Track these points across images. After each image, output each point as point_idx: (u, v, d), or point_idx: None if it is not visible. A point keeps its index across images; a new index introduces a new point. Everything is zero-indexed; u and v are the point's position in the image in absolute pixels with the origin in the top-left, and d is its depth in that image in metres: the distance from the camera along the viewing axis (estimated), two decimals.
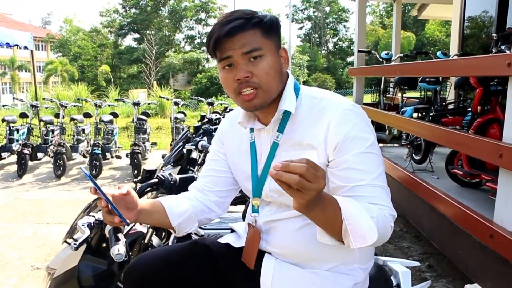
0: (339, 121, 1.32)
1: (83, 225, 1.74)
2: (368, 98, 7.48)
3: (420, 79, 5.05)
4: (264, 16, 1.36)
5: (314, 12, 51.39)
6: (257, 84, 1.34)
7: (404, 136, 5.20)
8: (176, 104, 8.08)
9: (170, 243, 2.08)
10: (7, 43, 8.46)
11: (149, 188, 1.94)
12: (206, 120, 5.07)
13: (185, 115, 8.54)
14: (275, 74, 1.37)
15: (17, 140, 7.75)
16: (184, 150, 3.26)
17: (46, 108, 9.21)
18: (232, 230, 1.71)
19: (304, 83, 30.72)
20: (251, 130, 1.51)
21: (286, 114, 1.41)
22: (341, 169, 1.30)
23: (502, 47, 3.61)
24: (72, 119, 8.02)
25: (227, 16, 1.34)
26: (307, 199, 1.02)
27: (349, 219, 1.10)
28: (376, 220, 1.17)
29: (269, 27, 1.36)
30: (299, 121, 1.40)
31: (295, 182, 0.99)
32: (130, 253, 1.86)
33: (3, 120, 7.85)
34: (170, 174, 2.00)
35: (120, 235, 1.54)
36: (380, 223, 1.19)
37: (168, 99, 9.66)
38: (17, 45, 8.79)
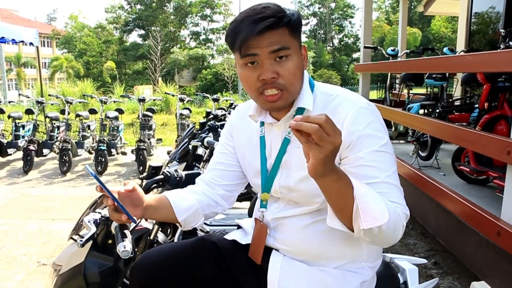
0: (354, 119, 1.31)
1: (89, 221, 1.74)
2: (374, 95, 7.43)
3: (426, 75, 5.03)
4: (292, 14, 1.31)
5: (319, 8, 51.26)
6: (283, 85, 1.30)
7: (410, 133, 5.18)
8: (181, 100, 8.08)
9: (176, 240, 2.08)
10: (13, 40, 8.48)
11: (155, 185, 1.94)
12: (211, 116, 5.07)
13: (190, 111, 8.54)
14: (299, 75, 1.35)
15: (23, 137, 7.79)
16: (190, 147, 3.26)
17: (52, 104, 9.25)
18: (239, 227, 1.70)
19: None
20: (262, 124, 1.49)
21: (300, 110, 1.38)
22: (354, 166, 1.28)
23: (510, 43, 3.58)
24: (77, 116, 8.03)
25: (258, 13, 1.27)
26: (324, 153, 1.02)
27: (360, 198, 1.09)
28: (388, 210, 1.15)
29: (296, 26, 1.33)
30: None
31: (314, 130, 0.99)
32: (136, 250, 1.86)
33: (9, 117, 7.89)
34: (176, 170, 1.99)
35: (127, 232, 1.54)
36: (393, 217, 1.17)
37: (173, 95, 9.69)
38: (22, 41, 8.81)
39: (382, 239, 1.17)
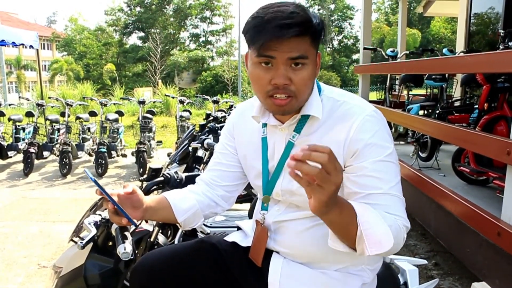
0: (360, 127, 1.29)
1: (89, 223, 1.75)
2: (373, 96, 7.45)
3: (426, 76, 5.04)
4: (318, 24, 1.27)
5: (319, 9, 51.13)
6: (293, 92, 1.28)
7: (410, 134, 5.18)
8: (181, 102, 8.09)
9: (176, 241, 2.08)
10: (13, 42, 8.48)
11: (155, 187, 1.94)
12: (211, 118, 5.07)
13: (190, 113, 8.55)
14: (310, 85, 1.33)
15: (23, 139, 7.80)
16: (190, 148, 3.27)
17: (52, 107, 9.24)
18: (239, 228, 1.70)
19: None
20: (264, 124, 1.47)
21: (306, 115, 1.37)
22: (358, 175, 1.28)
23: (510, 43, 3.58)
24: (77, 118, 8.05)
25: (286, 17, 1.21)
26: (327, 195, 1.00)
27: (364, 225, 1.07)
28: (391, 229, 1.16)
29: (319, 35, 1.30)
30: (318, 124, 1.36)
31: (316, 173, 0.96)
32: (136, 252, 1.86)
33: (9, 119, 7.89)
34: (176, 172, 2.00)
35: (127, 234, 1.54)
36: (394, 232, 1.17)
37: (173, 98, 9.71)
38: (22, 44, 8.81)
39: (384, 254, 1.19)
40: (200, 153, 3.21)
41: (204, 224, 2.33)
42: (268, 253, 1.48)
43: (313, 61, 1.30)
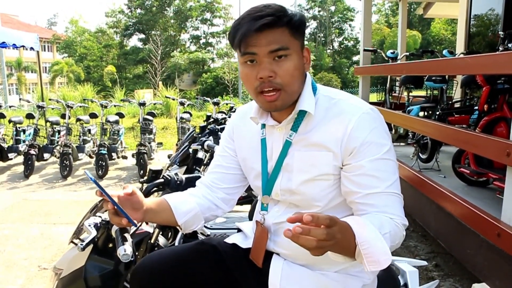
0: (357, 125, 1.30)
1: (89, 225, 1.75)
2: (374, 97, 7.44)
3: (426, 77, 5.04)
4: (294, 14, 1.31)
5: (319, 11, 51.24)
6: (280, 85, 1.29)
7: (410, 135, 5.18)
8: (181, 104, 8.09)
9: (176, 243, 2.08)
10: (14, 44, 8.49)
11: (155, 188, 1.94)
12: (211, 120, 5.07)
13: (191, 115, 8.54)
14: (298, 76, 1.33)
15: (24, 141, 7.80)
16: (190, 150, 3.27)
17: (52, 108, 9.25)
18: (239, 230, 1.70)
19: None
20: (263, 126, 1.48)
21: (302, 114, 1.38)
22: (356, 174, 1.29)
23: (509, 45, 3.59)
24: (78, 120, 8.04)
25: (258, 11, 1.27)
26: (322, 253, 1.03)
27: (363, 245, 1.06)
28: (389, 235, 1.17)
29: (298, 26, 1.32)
30: (314, 122, 1.37)
31: (312, 247, 0.99)
32: (137, 253, 1.86)
33: (9, 121, 7.90)
34: (176, 174, 1.99)
35: (127, 235, 1.54)
36: (393, 236, 1.20)
37: (173, 99, 9.69)
38: (23, 46, 8.81)
39: None
40: (200, 154, 3.21)
41: (204, 226, 2.33)
42: (269, 255, 1.48)
43: (297, 52, 1.32)
